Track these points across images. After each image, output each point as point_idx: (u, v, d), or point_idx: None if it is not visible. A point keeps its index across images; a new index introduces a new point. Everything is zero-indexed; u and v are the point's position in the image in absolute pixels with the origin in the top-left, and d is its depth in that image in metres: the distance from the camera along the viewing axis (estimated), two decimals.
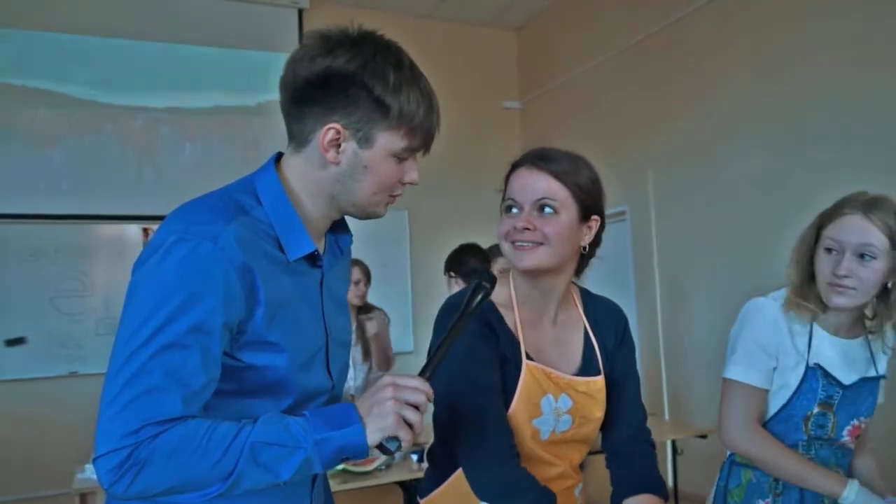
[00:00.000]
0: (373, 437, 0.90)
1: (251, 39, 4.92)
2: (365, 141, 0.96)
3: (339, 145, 0.96)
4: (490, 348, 1.22)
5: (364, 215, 1.03)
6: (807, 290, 1.43)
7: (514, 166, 1.27)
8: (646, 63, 4.55)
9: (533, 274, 1.24)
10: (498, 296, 1.27)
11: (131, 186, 4.67)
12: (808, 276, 1.43)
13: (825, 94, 3.40)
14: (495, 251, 3.34)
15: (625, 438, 1.34)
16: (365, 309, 3.38)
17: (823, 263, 1.39)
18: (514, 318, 1.26)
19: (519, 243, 1.21)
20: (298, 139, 0.99)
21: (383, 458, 2.60)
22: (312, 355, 1.01)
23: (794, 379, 1.45)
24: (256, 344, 0.93)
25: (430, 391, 0.94)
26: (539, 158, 1.23)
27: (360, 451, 0.90)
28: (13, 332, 4.28)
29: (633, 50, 4.65)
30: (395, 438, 0.90)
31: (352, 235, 1.14)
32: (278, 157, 1.04)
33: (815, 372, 1.44)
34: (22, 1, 4.45)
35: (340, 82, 0.94)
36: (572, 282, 1.35)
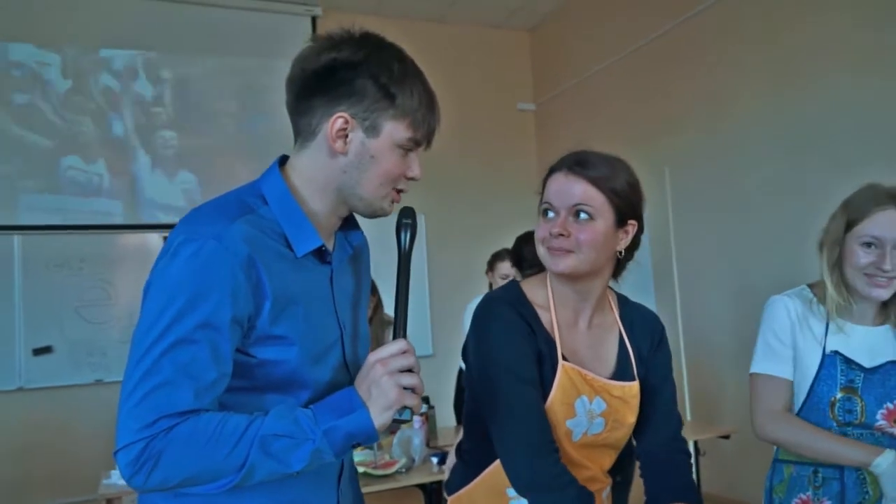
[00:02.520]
0: (381, 418, 0.92)
1: (265, 48, 4.96)
2: (372, 130, 0.98)
3: (347, 135, 0.98)
4: (529, 343, 1.23)
5: (370, 211, 1.04)
6: (839, 287, 1.46)
7: (552, 170, 1.27)
8: (660, 62, 4.52)
9: (568, 277, 1.25)
10: (536, 296, 1.29)
11: (152, 196, 4.73)
12: (837, 268, 1.47)
13: (840, 94, 3.35)
14: (501, 255, 3.35)
15: (660, 445, 1.33)
16: (379, 321, 3.38)
17: (861, 257, 1.42)
18: (550, 319, 1.27)
19: (554, 247, 1.22)
20: (305, 134, 1.01)
21: (404, 460, 2.61)
22: (326, 349, 1.03)
23: (813, 366, 1.47)
24: (266, 338, 0.95)
25: (412, 347, 0.95)
26: (576, 163, 1.23)
27: (369, 435, 0.92)
28: (40, 342, 4.35)
29: (647, 49, 4.62)
30: (404, 408, 0.92)
31: (362, 232, 1.15)
32: (282, 160, 1.07)
33: (832, 358, 1.46)
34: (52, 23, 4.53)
35: (347, 73, 0.97)
36: (610, 287, 1.36)
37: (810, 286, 1.56)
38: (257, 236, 0.94)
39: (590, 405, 1.24)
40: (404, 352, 0.94)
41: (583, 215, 1.20)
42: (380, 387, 0.92)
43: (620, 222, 1.23)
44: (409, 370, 0.93)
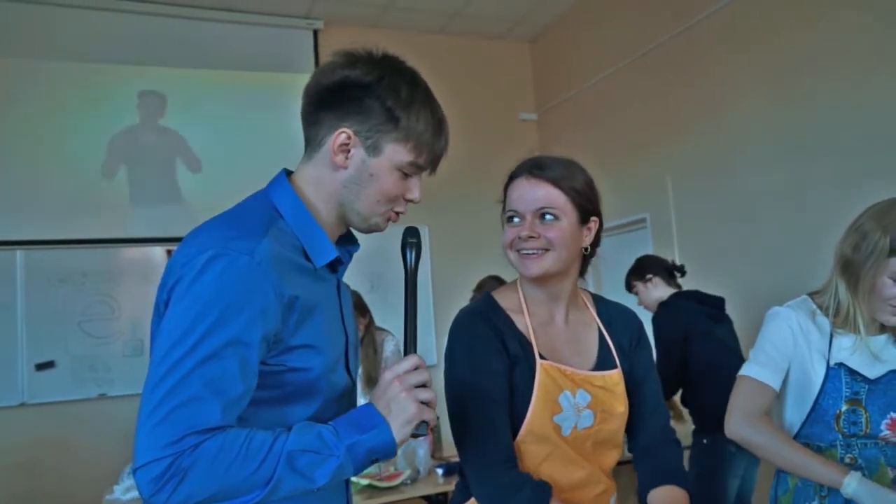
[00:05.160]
0: (401, 433, 0.94)
1: (267, 61, 4.98)
2: (373, 149, 1.01)
3: (349, 151, 1.01)
4: (497, 359, 1.25)
5: (366, 226, 1.07)
6: (854, 305, 1.45)
7: (512, 177, 1.32)
8: (661, 70, 4.53)
9: (540, 280, 1.28)
10: (508, 302, 1.32)
11: (154, 209, 4.74)
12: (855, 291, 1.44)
13: (844, 102, 3.35)
14: (491, 285, 3.50)
15: (650, 438, 1.37)
16: (370, 340, 3.34)
17: (890, 287, 1.39)
18: (525, 322, 1.29)
19: (524, 251, 1.26)
20: (312, 144, 1.05)
21: (408, 472, 2.59)
22: (339, 357, 1.06)
23: (817, 380, 1.46)
24: (293, 349, 0.96)
25: (424, 362, 0.99)
26: (535, 167, 1.28)
27: (389, 450, 0.94)
28: (43, 357, 4.35)
29: (648, 57, 4.64)
30: (421, 422, 0.96)
31: (359, 245, 1.18)
32: (287, 172, 1.09)
33: (837, 371, 1.45)
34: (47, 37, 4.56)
35: (356, 91, 1.00)
36: (583, 288, 1.40)
37: (811, 295, 1.54)
38: (282, 251, 0.96)
39: (574, 398, 1.26)
40: (417, 367, 0.97)
41: (548, 217, 1.25)
42: (399, 403, 0.94)
43: (583, 220, 1.28)
44: (424, 385, 0.97)
